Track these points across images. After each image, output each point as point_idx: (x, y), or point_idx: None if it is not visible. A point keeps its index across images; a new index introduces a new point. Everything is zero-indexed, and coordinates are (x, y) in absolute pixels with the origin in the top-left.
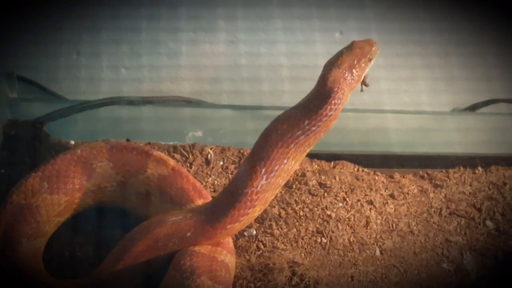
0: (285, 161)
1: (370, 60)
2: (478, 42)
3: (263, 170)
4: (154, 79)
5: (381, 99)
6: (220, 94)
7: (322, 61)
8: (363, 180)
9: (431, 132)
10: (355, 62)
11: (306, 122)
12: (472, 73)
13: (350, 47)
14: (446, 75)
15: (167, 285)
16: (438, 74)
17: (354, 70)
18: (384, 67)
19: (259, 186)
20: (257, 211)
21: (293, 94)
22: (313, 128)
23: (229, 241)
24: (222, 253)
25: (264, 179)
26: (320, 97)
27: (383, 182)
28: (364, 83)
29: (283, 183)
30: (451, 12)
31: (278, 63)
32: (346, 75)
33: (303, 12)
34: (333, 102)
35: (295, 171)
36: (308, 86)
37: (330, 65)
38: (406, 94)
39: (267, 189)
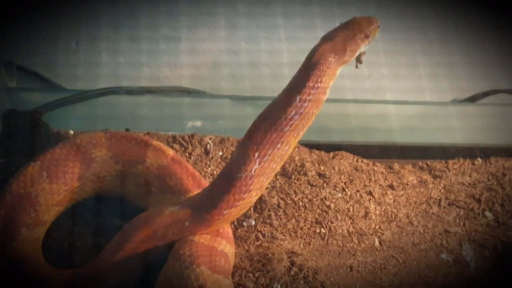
0: (279, 145)
1: (367, 36)
2: (479, 29)
3: (256, 154)
4: (152, 66)
5: (381, 85)
6: (219, 80)
7: None
8: (362, 170)
9: (430, 123)
10: (350, 36)
11: (298, 98)
12: (472, 60)
13: (348, 22)
14: (446, 62)
15: (166, 275)
16: (438, 60)
17: (347, 45)
18: (384, 53)
19: (253, 171)
20: (253, 196)
21: None
22: (305, 104)
23: (228, 231)
24: (221, 243)
25: (257, 163)
26: (306, 69)
27: (382, 172)
28: (358, 59)
29: (278, 167)
30: None
31: (277, 48)
32: (337, 48)
33: None
34: (318, 73)
35: (292, 158)
36: None
37: (324, 38)
38: (406, 80)
39: (261, 173)
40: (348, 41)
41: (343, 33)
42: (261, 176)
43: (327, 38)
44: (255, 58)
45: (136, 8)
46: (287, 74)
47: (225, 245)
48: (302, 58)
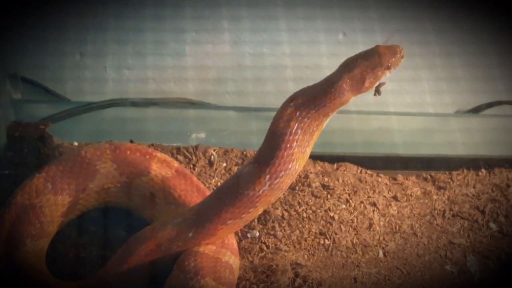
0: (290, 165)
1: (388, 68)
2: (481, 42)
3: (267, 177)
4: (158, 80)
5: (384, 99)
6: (224, 95)
7: (326, 62)
8: (366, 182)
9: (434, 134)
10: (369, 68)
11: (313, 111)
12: (475, 74)
13: (370, 52)
14: (449, 76)
15: (171, 286)
16: (441, 74)
17: (366, 77)
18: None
19: (261, 191)
20: (259, 211)
21: None
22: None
23: (233, 243)
24: (226, 254)
25: (267, 185)
26: (323, 91)
27: (386, 184)
28: (377, 90)
29: (287, 187)
30: (454, 12)
31: (281, 63)
32: (354, 79)
33: (306, 13)
34: (332, 97)
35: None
36: None
37: (344, 67)
38: (409, 95)
39: (269, 194)
40: (367, 73)
41: (363, 64)
42: (268, 197)
43: (347, 68)
44: (259, 73)
45: (142, 23)
46: (291, 89)
47: (229, 256)
48: (306, 73)
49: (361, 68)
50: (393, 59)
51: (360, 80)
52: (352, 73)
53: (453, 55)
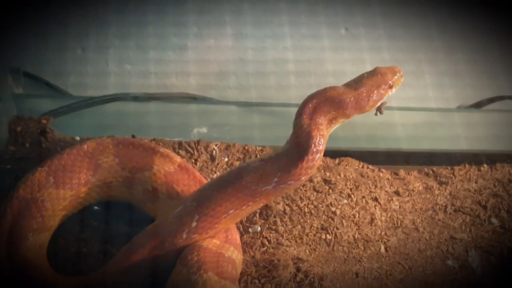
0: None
1: (390, 87)
2: (484, 37)
3: (275, 180)
4: (160, 74)
5: None
6: (226, 89)
7: (328, 56)
8: (368, 176)
9: (436, 129)
10: (374, 87)
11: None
12: (478, 68)
13: (372, 72)
14: (451, 70)
15: (174, 280)
16: (443, 69)
17: (370, 96)
18: (389, 61)
19: (264, 189)
20: (259, 205)
21: (298, 88)
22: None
23: (236, 237)
24: (229, 249)
25: (271, 186)
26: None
27: (388, 179)
28: (379, 109)
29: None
30: (456, 7)
31: (283, 57)
32: (360, 99)
33: (309, 7)
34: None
35: None
36: (313, 80)
37: (349, 86)
38: (412, 89)
39: (271, 193)
40: (372, 91)
41: (368, 83)
42: (270, 195)
43: (352, 87)
44: (261, 67)
45: (143, 17)
46: (293, 83)
47: (233, 252)
48: (308, 67)
49: (367, 87)
50: (395, 77)
51: (365, 98)
52: (357, 91)
53: (455, 49)
